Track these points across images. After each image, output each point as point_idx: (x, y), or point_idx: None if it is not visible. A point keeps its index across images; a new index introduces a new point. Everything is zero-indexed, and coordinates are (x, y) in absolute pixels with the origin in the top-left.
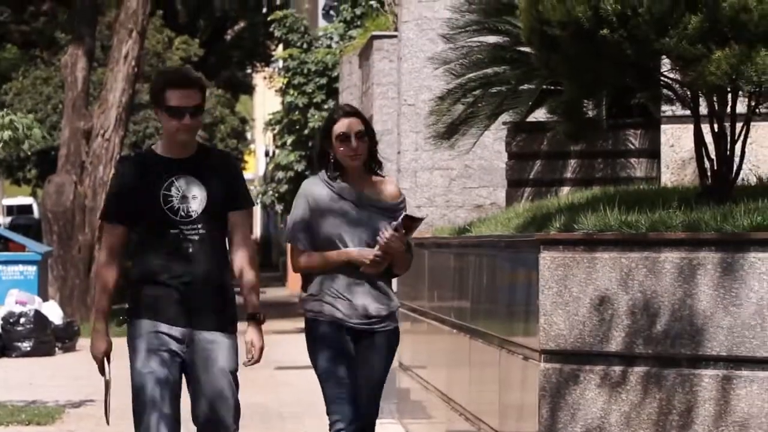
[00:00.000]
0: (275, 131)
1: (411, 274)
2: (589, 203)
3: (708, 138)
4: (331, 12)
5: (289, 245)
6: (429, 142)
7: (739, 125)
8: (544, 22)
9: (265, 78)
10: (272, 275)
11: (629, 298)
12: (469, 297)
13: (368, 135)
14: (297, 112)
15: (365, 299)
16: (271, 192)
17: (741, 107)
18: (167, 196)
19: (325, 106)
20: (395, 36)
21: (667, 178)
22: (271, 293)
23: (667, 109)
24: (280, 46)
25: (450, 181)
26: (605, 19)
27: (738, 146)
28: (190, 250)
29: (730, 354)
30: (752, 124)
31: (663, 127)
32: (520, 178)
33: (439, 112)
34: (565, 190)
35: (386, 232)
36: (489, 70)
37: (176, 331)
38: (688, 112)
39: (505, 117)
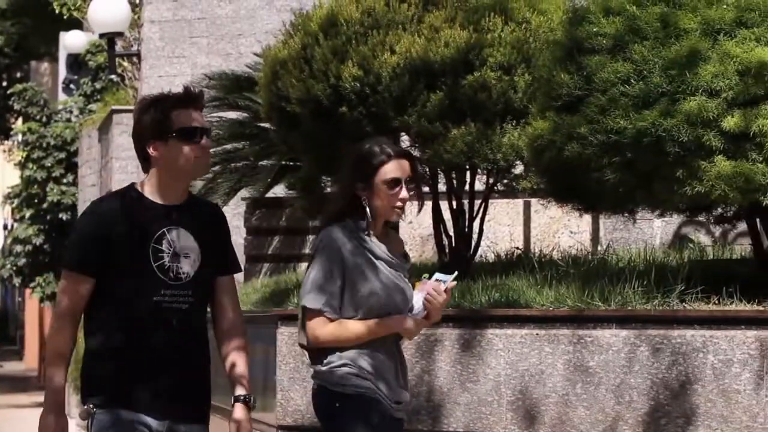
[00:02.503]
0: (14, 205)
1: None
2: None
3: (447, 215)
4: (71, 86)
5: (304, 312)
6: None
7: (477, 202)
8: (284, 99)
9: (4, 151)
10: (9, 348)
11: None
12: None
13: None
14: (36, 186)
15: (400, 379)
16: (9, 265)
17: (480, 185)
18: (158, 251)
19: (65, 180)
20: None
21: None
22: (9, 367)
23: None
24: (20, 119)
25: None
26: (345, 96)
27: (476, 223)
28: (174, 322)
29: (467, 430)
30: (490, 201)
31: None
32: (259, 253)
33: None
34: (304, 265)
35: (438, 296)
36: (229, 146)
37: (155, 423)
38: (426, 189)
39: (243, 193)
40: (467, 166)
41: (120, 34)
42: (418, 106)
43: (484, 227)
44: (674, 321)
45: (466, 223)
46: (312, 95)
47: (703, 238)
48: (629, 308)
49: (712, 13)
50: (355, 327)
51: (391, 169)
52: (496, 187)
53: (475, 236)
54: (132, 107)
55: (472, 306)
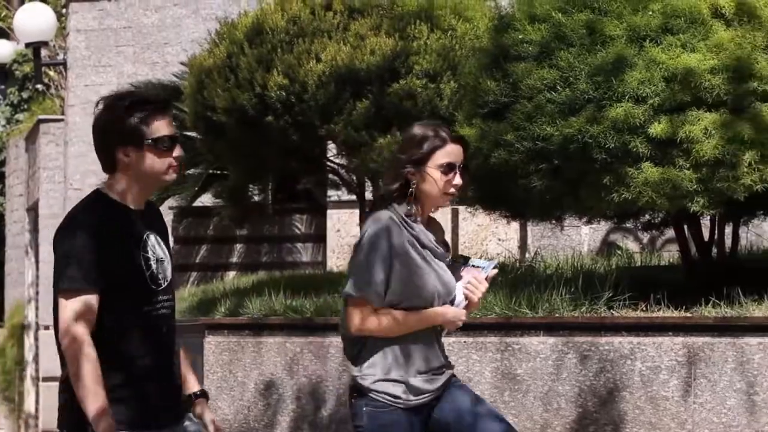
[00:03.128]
0: None
1: None
2: (255, 288)
3: None
4: None
5: (347, 299)
6: None
7: None
8: (210, 108)
9: None
10: None
11: (294, 382)
12: None
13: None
14: None
15: (438, 366)
16: None
17: None
18: (147, 259)
19: None
20: (62, 120)
21: (333, 263)
22: None
23: (333, 194)
24: None
25: None
26: (270, 105)
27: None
28: (164, 330)
29: None
30: None
31: (329, 212)
32: (186, 262)
33: None
34: (231, 274)
35: (480, 285)
36: None
37: None
38: (354, 197)
39: (171, 201)
40: None
41: (45, 44)
42: (344, 114)
43: None
44: (602, 328)
45: None
46: (238, 104)
47: (631, 245)
48: (557, 315)
49: (637, 20)
50: (397, 317)
51: (447, 153)
52: None
53: None
54: (60, 117)
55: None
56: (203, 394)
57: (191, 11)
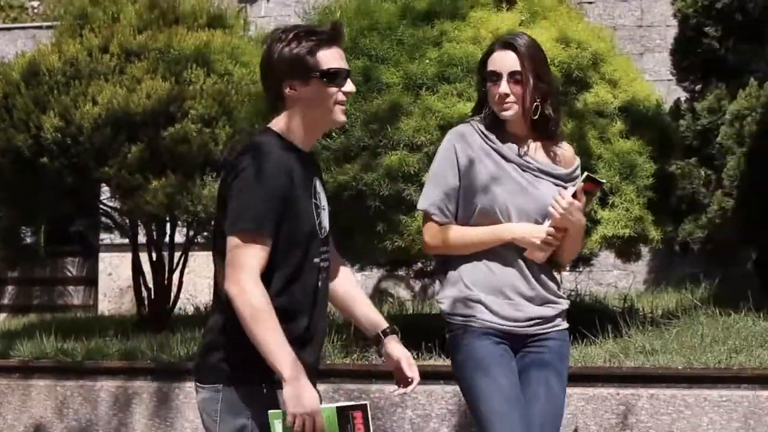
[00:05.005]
0: None
1: None
2: (25, 330)
3: (146, 267)
4: None
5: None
6: None
7: (177, 254)
8: None
9: None
10: None
11: (64, 426)
12: None
13: (535, 80)
14: None
15: (529, 295)
16: None
17: (180, 237)
18: (316, 206)
19: None
20: None
21: (105, 306)
22: None
23: (105, 237)
24: None
25: None
26: (46, 147)
27: (176, 275)
28: (320, 284)
29: None
30: (190, 253)
31: (101, 255)
32: None
33: None
34: (2, 316)
35: (562, 200)
36: None
37: None
38: (126, 241)
39: None
40: (167, 218)
41: None
42: (119, 157)
43: (184, 279)
44: (373, 375)
45: (166, 275)
46: (13, 145)
47: (403, 293)
48: (328, 362)
49: (414, 68)
50: (460, 232)
51: (492, 61)
52: (196, 239)
53: (174, 288)
54: None
55: (170, 359)
56: (388, 332)
57: None
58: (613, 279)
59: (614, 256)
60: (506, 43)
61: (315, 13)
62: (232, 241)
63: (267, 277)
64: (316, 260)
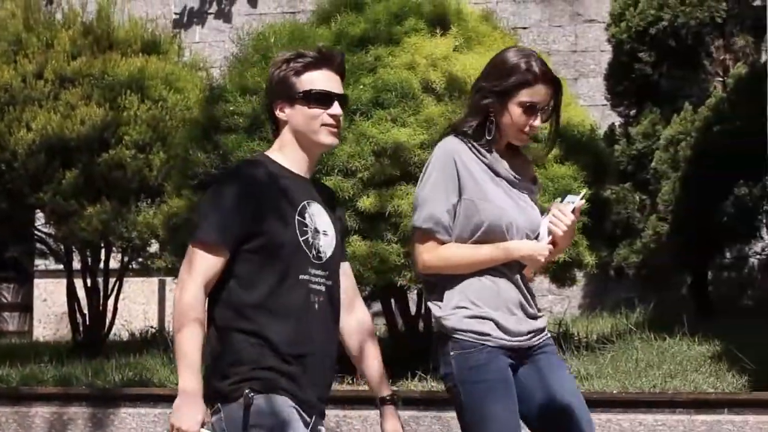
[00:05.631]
0: None
1: None
2: None
3: (81, 293)
4: None
5: (414, 232)
6: None
7: (112, 280)
8: None
9: None
10: None
11: None
12: None
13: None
14: None
15: (527, 309)
16: None
17: (114, 263)
18: (302, 224)
19: None
20: None
21: (40, 332)
22: None
23: (40, 263)
24: None
25: None
26: None
27: (110, 301)
28: (316, 306)
29: None
30: (125, 279)
31: (36, 281)
32: None
33: None
34: None
35: (565, 217)
36: None
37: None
38: (61, 267)
39: None
40: (102, 244)
41: None
42: (53, 183)
43: (119, 305)
44: (355, 401)
45: (101, 301)
46: None
47: None
48: None
49: (348, 93)
50: (466, 251)
51: (533, 92)
52: (131, 265)
53: (109, 314)
54: None
55: (105, 385)
56: (388, 401)
57: None
58: (548, 304)
59: (549, 281)
60: (555, 80)
61: (249, 39)
62: (189, 249)
63: (253, 281)
64: (303, 277)
